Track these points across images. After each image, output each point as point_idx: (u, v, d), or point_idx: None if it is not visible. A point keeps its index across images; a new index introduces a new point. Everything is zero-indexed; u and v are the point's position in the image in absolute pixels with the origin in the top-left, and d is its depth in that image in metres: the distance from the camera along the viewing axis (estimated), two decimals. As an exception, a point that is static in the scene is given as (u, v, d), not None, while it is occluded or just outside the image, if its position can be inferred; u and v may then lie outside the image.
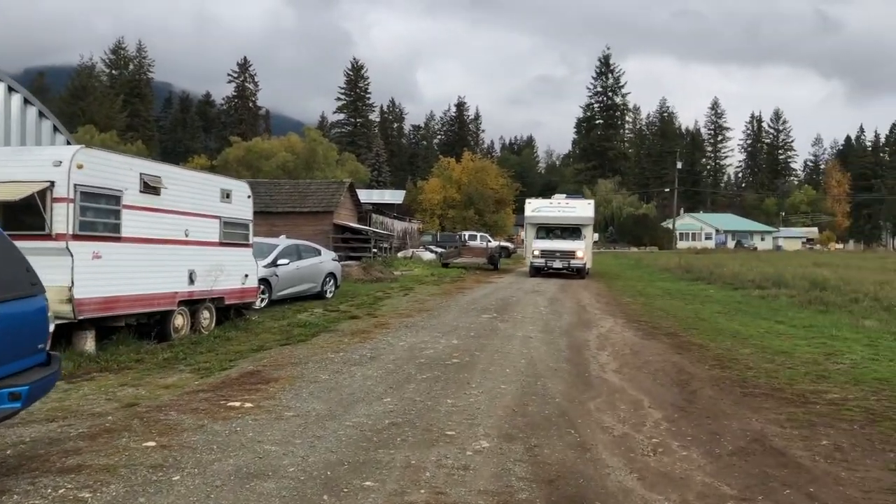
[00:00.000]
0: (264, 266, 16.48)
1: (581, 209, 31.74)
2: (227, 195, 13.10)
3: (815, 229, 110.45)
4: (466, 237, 49.78)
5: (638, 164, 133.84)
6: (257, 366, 9.70)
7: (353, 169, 72.80)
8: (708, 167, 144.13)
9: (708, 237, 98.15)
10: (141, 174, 10.81)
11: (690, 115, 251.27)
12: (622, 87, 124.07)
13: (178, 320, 11.83)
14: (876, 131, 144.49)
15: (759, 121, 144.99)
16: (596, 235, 33.06)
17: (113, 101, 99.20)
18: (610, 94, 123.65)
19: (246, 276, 13.67)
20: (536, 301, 19.53)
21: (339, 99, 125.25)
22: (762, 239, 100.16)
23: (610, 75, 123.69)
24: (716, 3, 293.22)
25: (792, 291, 20.86)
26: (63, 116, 36.15)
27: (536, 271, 30.13)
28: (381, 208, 42.05)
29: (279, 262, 16.95)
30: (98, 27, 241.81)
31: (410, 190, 70.51)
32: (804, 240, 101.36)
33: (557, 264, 29.26)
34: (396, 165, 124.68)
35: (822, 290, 19.91)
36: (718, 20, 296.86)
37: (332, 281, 19.13)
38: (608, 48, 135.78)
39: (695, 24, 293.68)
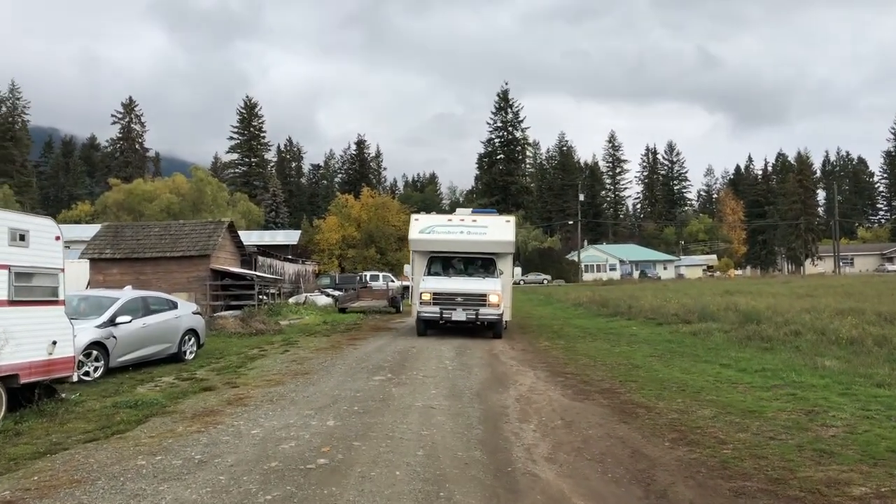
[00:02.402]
0: (98, 326, 13.11)
1: (496, 230, 21.27)
2: (20, 237, 9.72)
3: (714, 256, 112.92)
4: (368, 278, 46.79)
5: (540, 197, 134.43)
6: (19, 489, 6.38)
7: (246, 210, 68.72)
8: (608, 199, 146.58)
9: (612, 268, 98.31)
10: None
11: (588, 150, 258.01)
12: (521, 121, 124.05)
13: (-60, 413, 8.37)
14: (765, 159, 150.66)
15: (655, 153, 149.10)
16: (518, 270, 24.35)
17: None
18: (510, 128, 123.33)
19: (54, 342, 10.24)
20: (441, 351, 16.64)
21: (231, 138, 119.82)
22: (665, 268, 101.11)
23: (509, 110, 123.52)
24: (600, 44, 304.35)
25: (724, 325, 18.79)
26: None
27: (426, 326, 20.42)
28: (272, 250, 38.41)
29: (118, 319, 13.49)
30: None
31: (307, 230, 66.76)
32: (704, 267, 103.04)
33: (460, 315, 19.61)
34: (296, 206, 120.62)
35: (757, 324, 17.85)
36: (604, 60, 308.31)
37: (192, 339, 15.68)
38: (506, 83, 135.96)
39: (583, 64, 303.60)
